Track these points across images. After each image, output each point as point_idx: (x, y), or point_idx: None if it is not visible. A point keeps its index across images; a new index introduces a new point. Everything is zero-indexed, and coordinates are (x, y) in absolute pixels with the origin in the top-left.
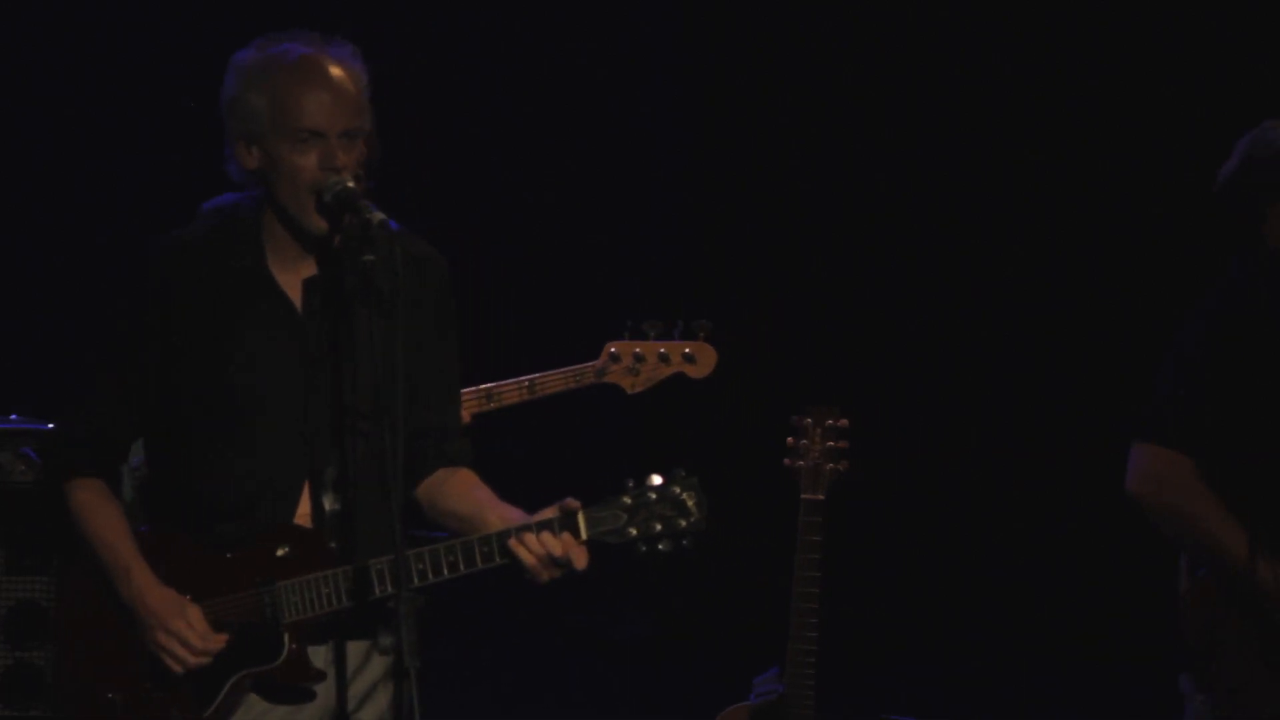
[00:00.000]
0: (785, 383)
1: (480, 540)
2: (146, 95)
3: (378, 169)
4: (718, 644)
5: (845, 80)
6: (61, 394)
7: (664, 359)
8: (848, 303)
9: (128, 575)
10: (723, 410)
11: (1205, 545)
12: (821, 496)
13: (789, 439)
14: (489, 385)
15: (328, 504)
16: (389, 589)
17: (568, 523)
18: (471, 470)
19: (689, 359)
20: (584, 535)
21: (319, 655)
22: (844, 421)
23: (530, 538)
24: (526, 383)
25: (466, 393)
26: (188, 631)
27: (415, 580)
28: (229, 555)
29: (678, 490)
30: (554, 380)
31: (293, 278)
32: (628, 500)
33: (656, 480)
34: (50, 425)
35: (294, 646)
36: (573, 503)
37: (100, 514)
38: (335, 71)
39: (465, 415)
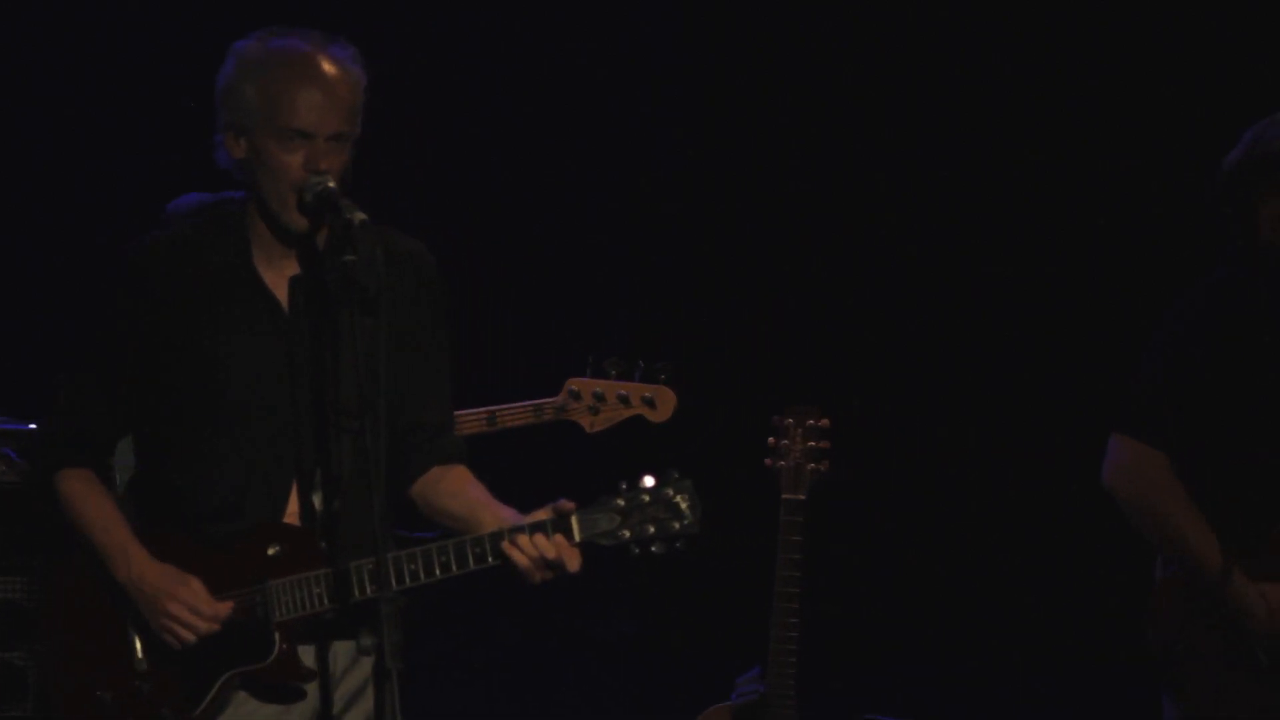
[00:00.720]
0: (766, 382)
1: (473, 541)
2: (146, 95)
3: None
4: (699, 644)
5: (825, 83)
6: (46, 393)
7: (624, 400)
8: (829, 302)
9: (125, 555)
10: (704, 410)
11: (1172, 542)
12: (802, 496)
13: (770, 439)
14: None
15: (317, 503)
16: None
17: (560, 525)
18: (466, 467)
19: (648, 403)
20: (577, 537)
21: (309, 654)
22: (825, 421)
23: (523, 539)
24: (485, 415)
25: None
26: (194, 598)
27: (407, 580)
28: (219, 554)
29: (671, 492)
30: (514, 414)
31: (279, 275)
32: (621, 502)
33: (649, 482)
34: (32, 426)
35: (284, 646)
36: (566, 504)
37: (92, 499)
38: (331, 72)
39: None
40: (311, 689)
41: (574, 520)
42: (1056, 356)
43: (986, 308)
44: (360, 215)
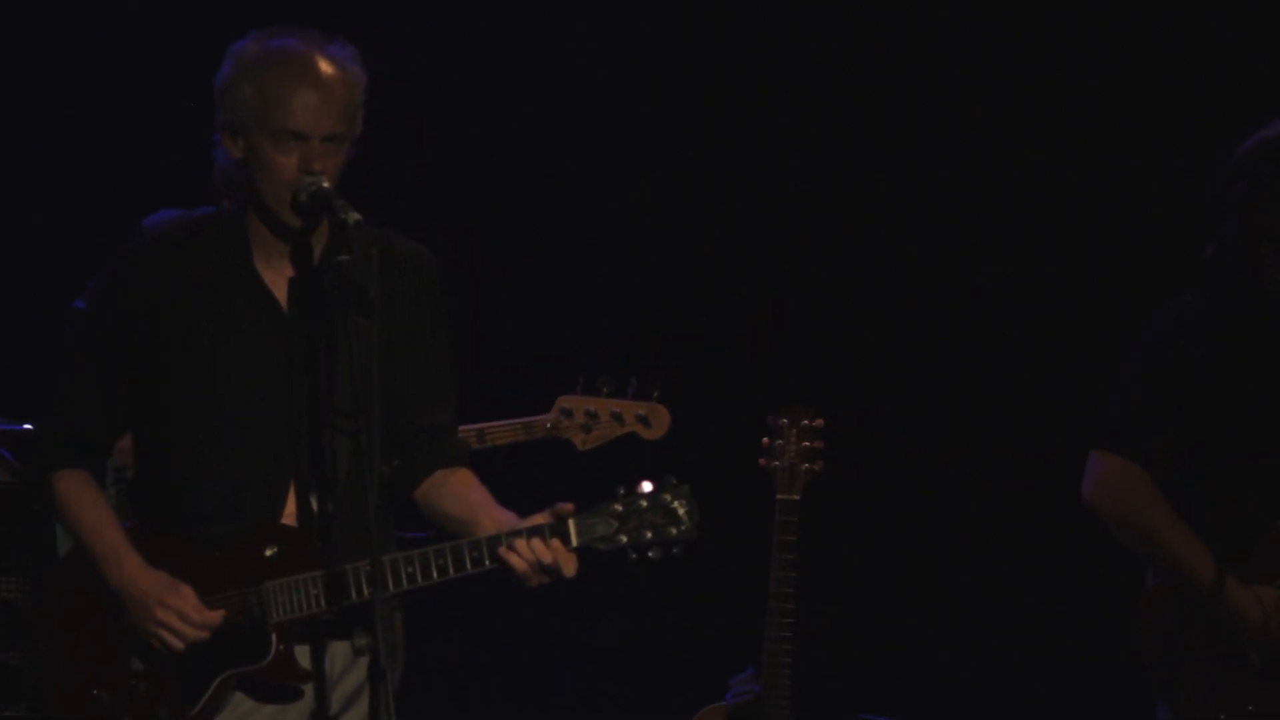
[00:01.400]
0: (761, 383)
1: (470, 544)
2: (146, 95)
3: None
4: (694, 644)
5: (822, 85)
6: (44, 393)
7: (617, 418)
8: (824, 303)
9: (117, 560)
10: (698, 410)
11: (1159, 555)
12: (797, 497)
13: (764, 439)
14: None
15: (314, 504)
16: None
17: (558, 530)
18: (469, 470)
19: (643, 421)
20: (574, 542)
21: (306, 655)
22: (819, 421)
23: (520, 543)
24: (475, 432)
25: None
26: (183, 606)
27: (404, 583)
28: (216, 554)
29: (669, 498)
30: (504, 431)
31: (278, 275)
32: (618, 507)
33: (647, 487)
34: (28, 426)
35: (281, 647)
36: (565, 507)
37: (86, 502)
38: (328, 72)
39: None
40: (307, 689)
41: (571, 525)
42: (1051, 357)
43: (981, 309)
44: (355, 215)
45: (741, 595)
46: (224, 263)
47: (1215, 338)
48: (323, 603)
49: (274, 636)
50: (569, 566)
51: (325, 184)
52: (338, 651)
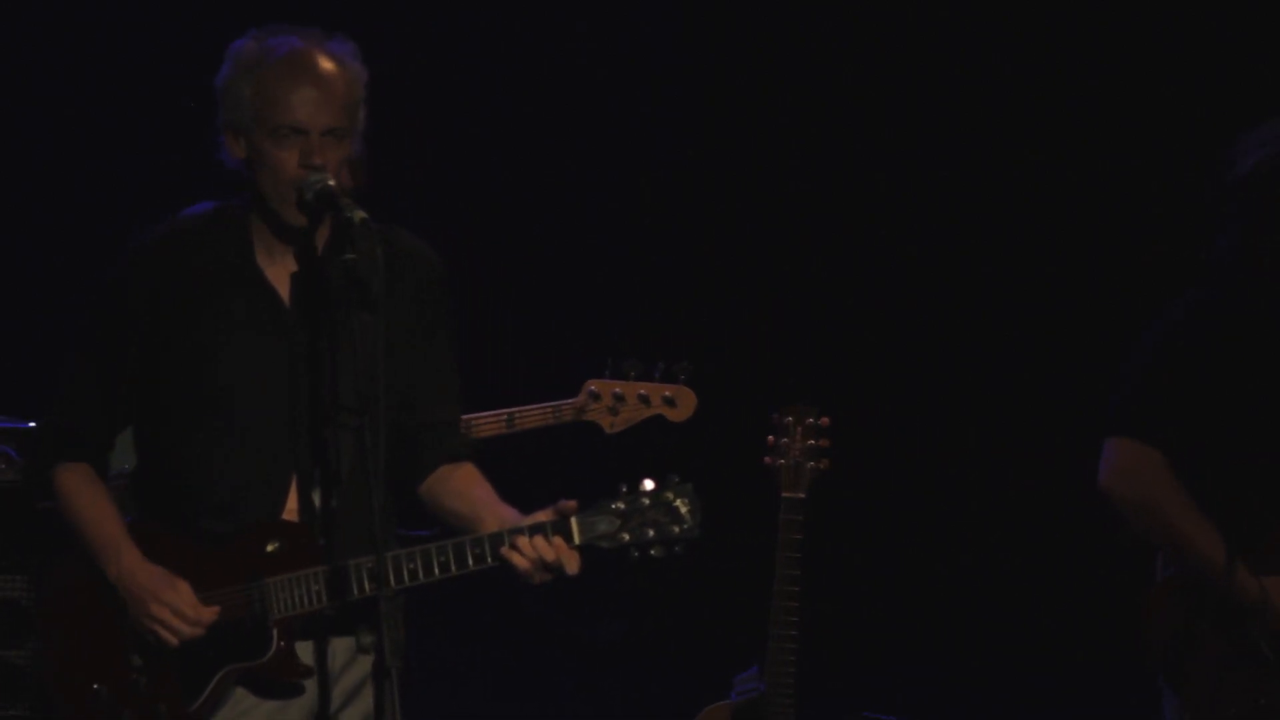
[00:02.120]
0: (766, 381)
1: (472, 541)
2: (146, 95)
3: (369, 171)
4: (698, 642)
5: (825, 83)
6: (46, 389)
7: (644, 400)
8: (829, 301)
9: (116, 553)
10: (703, 408)
11: (1176, 544)
12: (802, 495)
13: (769, 437)
14: (466, 416)
15: (316, 500)
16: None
17: (560, 527)
18: (474, 465)
19: (669, 402)
20: (576, 540)
21: (307, 651)
22: (825, 420)
23: (523, 541)
24: (505, 416)
25: None
26: (179, 601)
27: (405, 580)
28: (217, 550)
29: (671, 496)
30: (533, 415)
31: (280, 272)
32: (621, 505)
33: (649, 485)
34: (33, 424)
35: (282, 643)
36: (568, 504)
37: (86, 494)
38: (326, 68)
39: None
40: (308, 685)
41: (574, 523)
42: (1057, 355)
43: (986, 306)
44: (360, 213)
45: (746, 593)
46: (226, 260)
47: (1227, 329)
48: (324, 599)
49: (275, 632)
50: (571, 564)
51: (330, 182)
52: (338, 647)
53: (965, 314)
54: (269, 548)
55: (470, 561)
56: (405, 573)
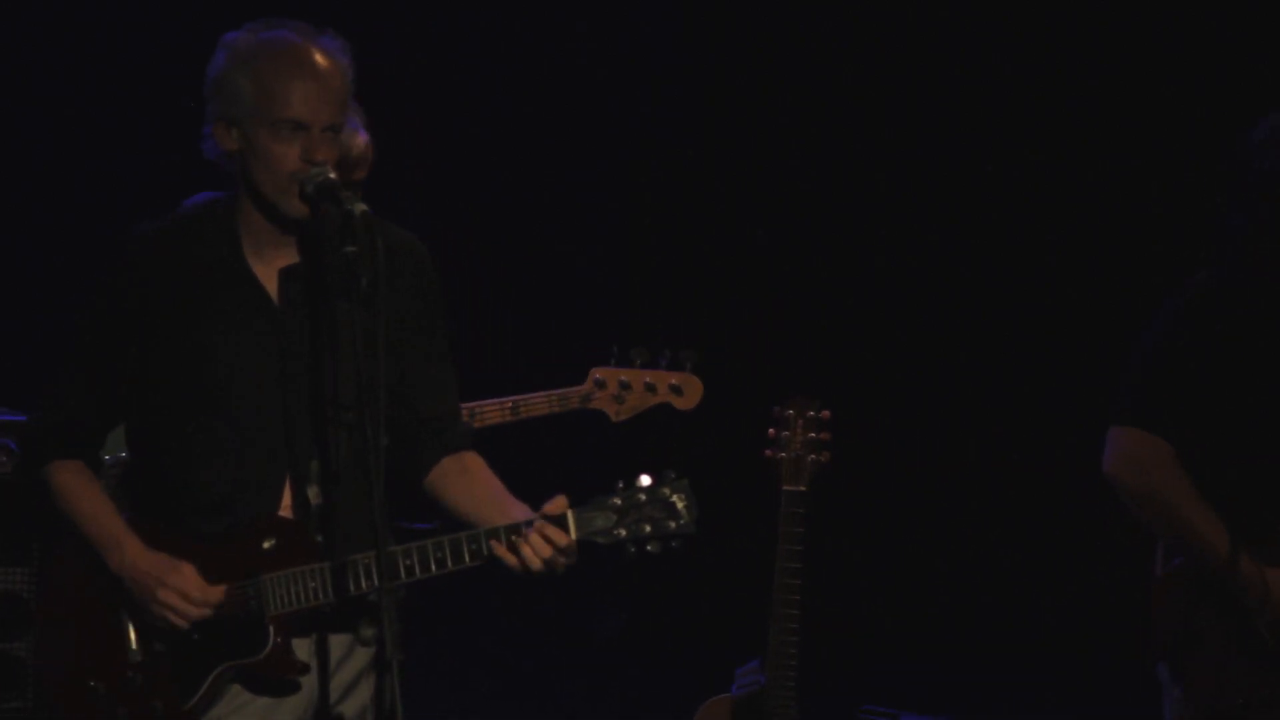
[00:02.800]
0: (767, 373)
1: (469, 537)
2: (146, 95)
3: (372, 168)
4: (699, 636)
5: (826, 81)
6: (37, 385)
7: (650, 389)
8: (831, 294)
9: (118, 544)
10: (704, 400)
11: (1180, 533)
12: (803, 488)
13: (770, 430)
14: (471, 404)
15: (312, 497)
16: (374, 583)
17: (557, 523)
18: (477, 455)
19: (676, 391)
20: (573, 535)
21: (303, 648)
22: (826, 413)
23: (519, 539)
24: (510, 404)
25: None
26: (185, 584)
27: (403, 576)
28: (214, 546)
29: (667, 492)
30: (538, 403)
31: (268, 267)
32: (617, 501)
33: (646, 481)
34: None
35: (278, 640)
36: (561, 501)
37: (84, 491)
38: (324, 64)
39: None
40: (304, 681)
41: (570, 518)
42: (1059, 348)
43: (988, 300)
44: (361, 206)
45: (747, 586)
46: (214, 255)
47: (1233, 317)
48: (320, 595)
49: (271, 629)
50: (568, 556)
51: (331, 175)
52: (335, 642)
53: (966, 307)
54: (265, 544)
55: (467, 557)
56: (403, 569)
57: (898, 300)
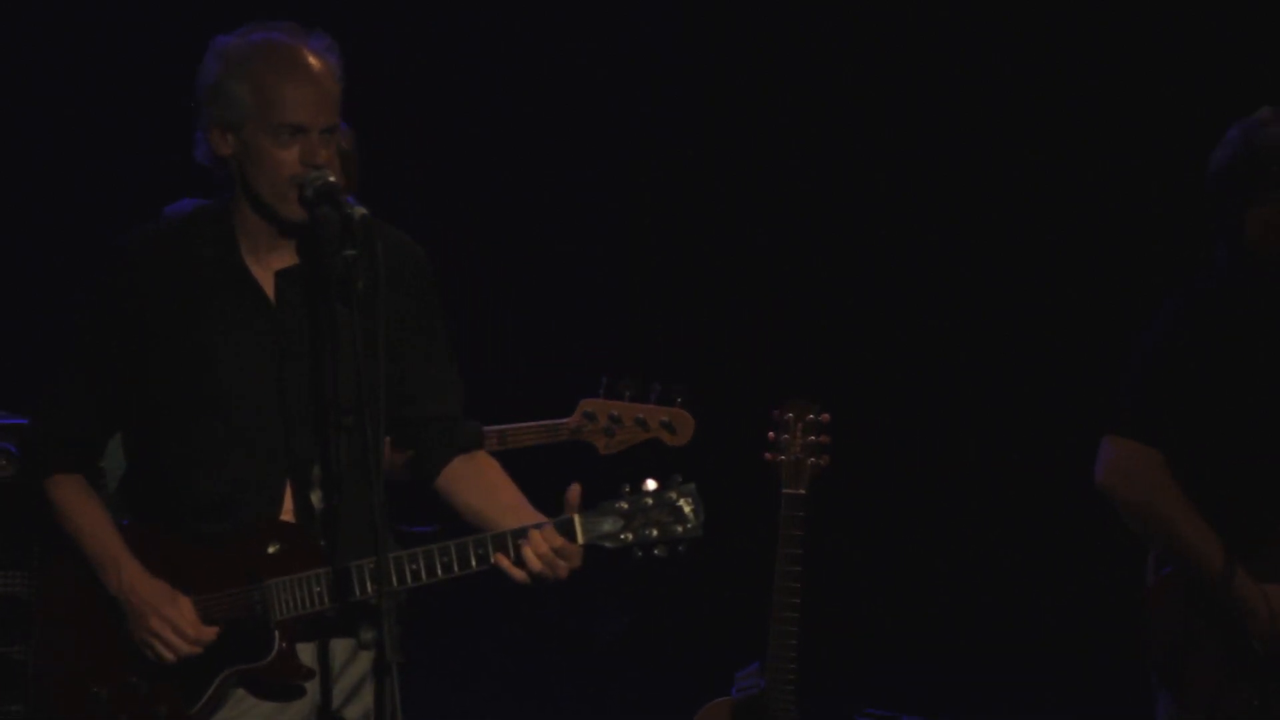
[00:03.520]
0: (766, 376)
1: (475, 542)
2: (146, 95)
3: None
4: (699, 639)
5: (825, 82)
6: (35, 391)
7: (641, 424)
8: (830, 297)
9: (116, 567)
10: (704, 404)
11: (1172, 543)
12: (803, 491)
13: (770, 433)
14: None
15: (315, 501)
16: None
17: (564, 527)
18: (487, 455)
19: (668, 427)
20: (580, 540)
21: (306, 652)
22: (826, 416)
23: (525, 546)
24: (497, 433)
25: None
26: (180, 619)
27: (408, 580)
28: (217, 551)
29: (674, 496)
30: (526, 433)
31: (266, 269)
32: (624, 505)
33: (652, 485)
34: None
35: (284, 645)
36: (572, 498)
37: (83, 508)
38: (318, 66)
39: None
40: (308, 686)
41: (577, 522)
42: (1057, 352)
43: (986, 302)
44: (360, 210)
45: (747, 589)
46: (210, 258)
47: (1227, 326)
48: (325, 600)
49: (277, 634)
50: (574, 560)
51: (331, 178)
52: (338, 646)
53: (965, 310)
54: (270, 549)
55: (473, 562)
56: (408, 573)
57: (897, 303)
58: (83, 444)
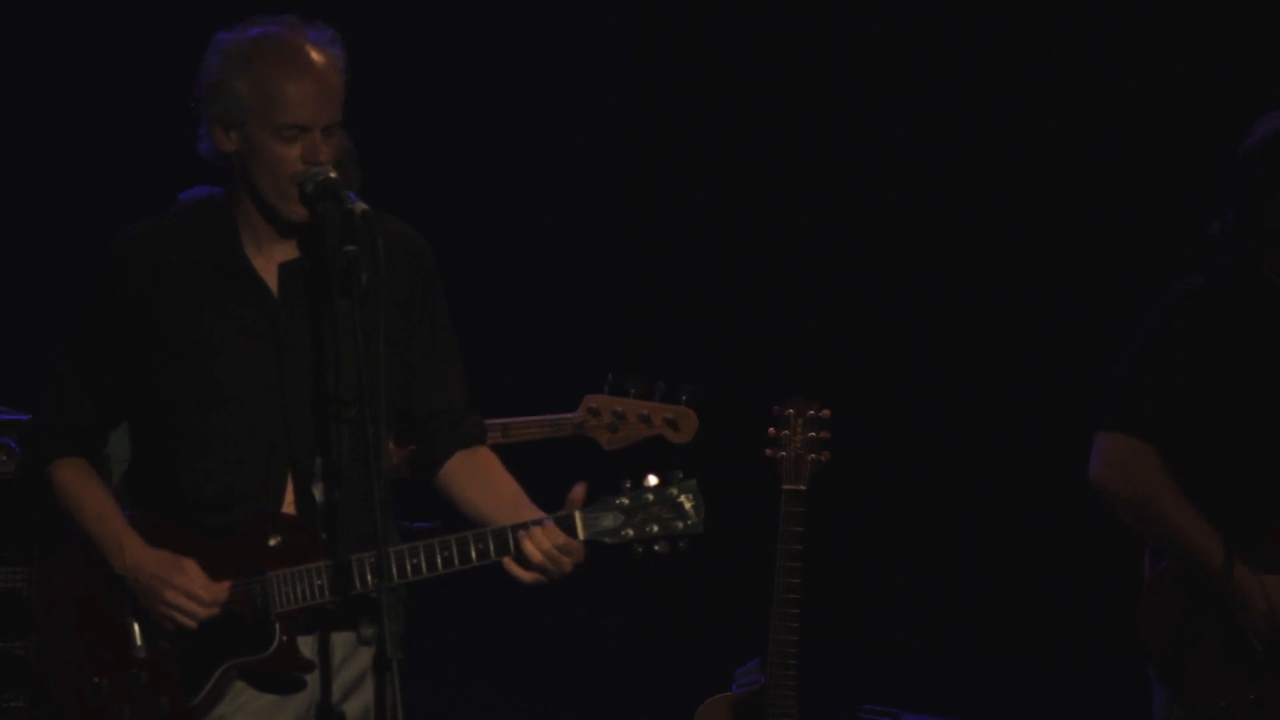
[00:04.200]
0: (767, 373)
1: (476, 536)
2: (146, 95)
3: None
4: (699, 634)
5: (825, 80)
6: (38, 384)
7: (645, 420)
8: (831, 293)
9: (120, 545)
10: (705, 401)
11: (1167, 538)
12: (803, 487)
13: (770, 429)
14: None
15: (317, 494)
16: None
17: (565, 523)
18: (489, 450)
19: (671, 424)
20: (581, 536)
21: (307, 646)
22: (826, 412)
23: (526, 541)
24: (500, 426)
25: None
26: (191, 584)
27: (409, 574)
28: (218, 543)
29: (675, 492)
30: (530, 427)
31: (268, 262)
32: (625, 501)
33: (654, 481)
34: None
35: (284, 637)
36: (575, 498)
37: (86, 489)
38: (320, 62)
39: None
40: (309, 679)
41: (578, 519)
42: (1058, 347)
43: (986, 299)
44: (361, 206)
45: (747, 585)
46: (213, 252)
47: (1220, 321)
48: (327, 593)
49: (277, 627)
50: (575, 555)
51: (332, 174)
52: (339, 640)
53: (964, 307)
54: (271, 541)
55: (474, 557)
56: (409, 567)
57: (897, 300)
58: (84, 433)
